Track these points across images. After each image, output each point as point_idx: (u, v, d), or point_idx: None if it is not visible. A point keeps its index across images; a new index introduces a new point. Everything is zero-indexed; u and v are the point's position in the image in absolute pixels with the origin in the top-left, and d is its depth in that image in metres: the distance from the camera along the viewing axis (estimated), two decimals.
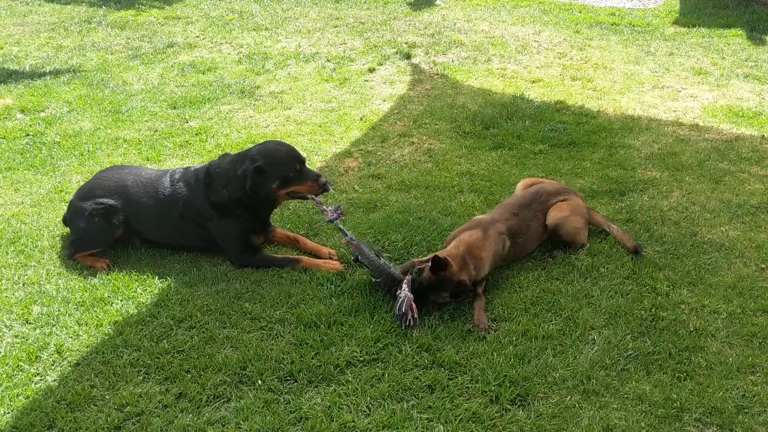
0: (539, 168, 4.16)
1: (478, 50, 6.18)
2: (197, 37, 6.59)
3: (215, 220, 3.22)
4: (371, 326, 2.83)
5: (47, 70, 5.73)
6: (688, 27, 6.65)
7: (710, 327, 2.83)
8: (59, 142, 4.51)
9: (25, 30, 6.74)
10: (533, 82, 5.49)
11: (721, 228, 3.51)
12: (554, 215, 3.26)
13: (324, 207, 3.31)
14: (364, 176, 4.15)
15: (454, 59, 6.00)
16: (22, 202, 3.81)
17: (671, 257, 3.27)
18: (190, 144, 4.55)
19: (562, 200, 3.32)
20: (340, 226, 3.26)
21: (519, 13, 7.19)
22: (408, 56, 6.09)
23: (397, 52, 6.19)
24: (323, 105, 5.18)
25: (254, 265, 3.21)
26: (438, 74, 5.72)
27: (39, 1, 7.66)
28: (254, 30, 6.76)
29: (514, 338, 2.77)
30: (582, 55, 6.00)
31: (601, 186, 3.91)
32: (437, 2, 7.55)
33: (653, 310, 2.92)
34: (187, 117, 4.94)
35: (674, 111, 4.93)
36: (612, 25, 6.75)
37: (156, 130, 4.72)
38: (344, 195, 3.91)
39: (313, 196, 3.26)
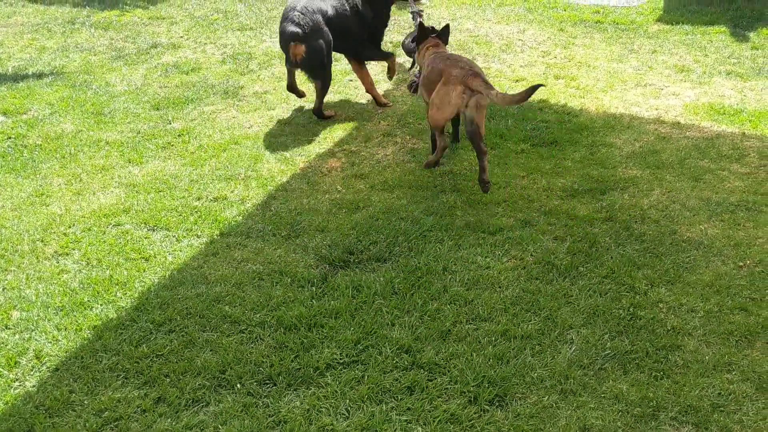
0: (521, 167, 4.18)
1: (463, 49, 6.19)
2: (181, 37, 6.57)
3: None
4: (352, 328, 2.83)
5: (30, 72, 5.70)
6: (672, 24, 6.68)
7: (687, 325, 2.85)
8: (41, 145, 4.49)
9: (8, 31, 6.70)
10: (517, 81, 5.50)
11: (701, 226, 3.53)
12: None
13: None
14: (347, 176, 4.16)
15: None
16: (3, 206, 3.79)
17: (650, 256, 3.29)
18: (172, 146, 4.54)
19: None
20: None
21: (504, 11, 7.21)
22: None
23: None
24: (307, 105, 5.18)
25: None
26: None
27: (23, 2, 7.61)
28: (238, 30, 6.74)
29: (493, 338, 2.79)
30: (566, 54, 6.02)
31: (582, 185, 3.93)
32: (423, 0, 7.54)
33: (631, 309, 2.94)
34: (170, 118, 4.93)
35: (656, 109, 4.96)
36: (596, 23, 6.78)
37: (138, 132, 4.71)
38: (327, 196, 3.91)
39: None
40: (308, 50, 4.66)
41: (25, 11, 7.31)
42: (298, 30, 4.61)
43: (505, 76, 5.61)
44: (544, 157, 4.29)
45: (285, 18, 4.74)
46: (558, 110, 4.93)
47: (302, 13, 4.66)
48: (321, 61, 4.76)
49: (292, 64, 4.79)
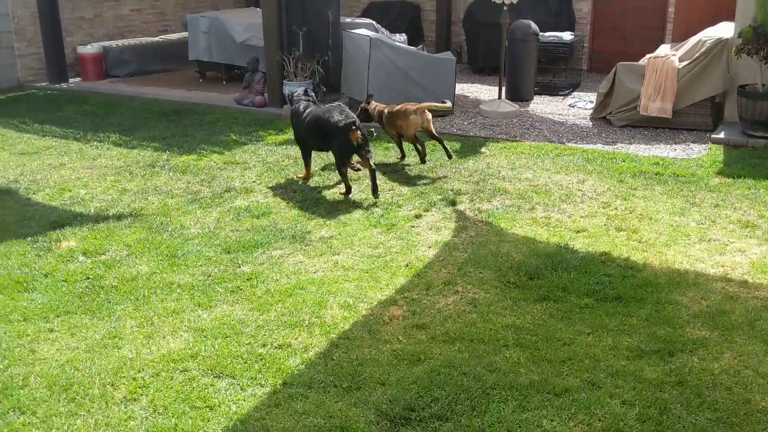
0: (585, 323, 4.14)
1: (522, 198, 6.33)
2: (254, 182, 6.93)
3: None
4: None
5: (111, 213, 6.06)
6: (733, 178, 6.72)
7: None
8: (116, 287, 4.71)
9: (93, 173, 7.20)
10: (577, 231, 5.56)
11: None
12: None
13: None
14: (408, 326, 4.19)
15: (498, 207, 6.14)
16: (77, 348, 3.94)
17: (724, 426, 3.16)
18: (240, 290, 4.69)
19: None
20: None
21: (562, 161, 7.39)
22: (453, 203, 6.27)
23: (443, 199, 6.39)
24: (370, 251, 5.32)
25: None
26: (482, 221, 5.85)
27: (108, 145, 8.21)
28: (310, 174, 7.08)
29: None
30: (626, 205, 6.08)
31: (649, 345, 3.86)
32: (482, 150, 7.83)
33: None
34: (239, 262, 5.12)
35: (722, 266, 4.90)
36: (656, 174, 6.87)
37: (209, 275, 4.90)
38: (388, 346, 3.94)
39: None
40: (362, 133, 6.23)
41: (109, 154, 7.87)
42: (354, 119, 6.24)
43: (566, 227, 5.68)
44: (609, 314, 4.25)
45: (328, 113, 6.37)
46: (621, 264, 4.93)
47: (342, 108, 6.40)
48: (368, 139, 6.31)
49: (354, 148, 6.25)
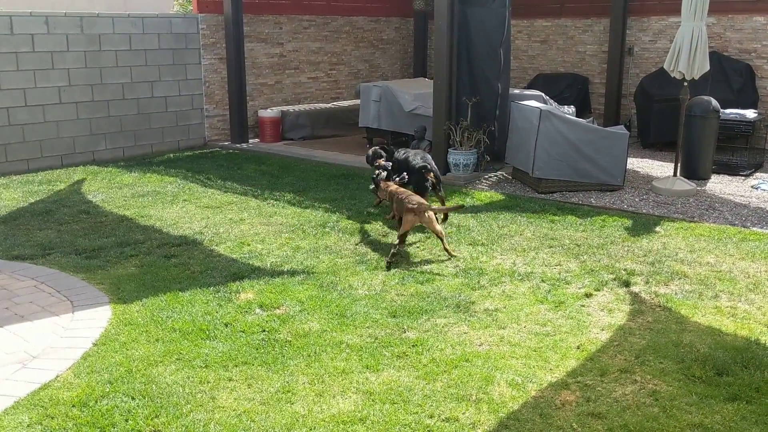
0: None
1: (704, 284, 5.91)
2: (417, 247, 7.00)
3: None
4: None
5: (285, 269, 6.34)
6: None
7: None
8: (290, 341, 4.86)
9: (269, 229, 7.60)
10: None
11: None
12: None
13: None
14: (582, 413, 3.97)
15: (677, 292, 5.76)
16: (253, 399, 4.08)
17: None
18: (406, 355, 4.69)
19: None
20: None
21: (747, 246, 6.85)
22: (627, 284, 5.96)
23: (615, 278, 6.10)
24: (538, 328, 5.15)
25: None
26: (660, 306, 5.50)
27: (283, 204, 8.67)
28: (470, 245, 7.05)
29: None
30: None
31: None
32: (657, 229, 7.44)
33: None
34: (405, 327, 5.14)
35: None
36: None
37: (376, 338, 4.94)
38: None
39: None
40: (435, 175, 7.83)
41: (284, 212, 8.30)
42: (427, 163, 7.86)
43: (756, 320, 5.21)
44: None
45: (411, 159, 7.93)
46: None
47: (422, 155, 8.06)
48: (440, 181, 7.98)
49: (429, 187, 7.71)
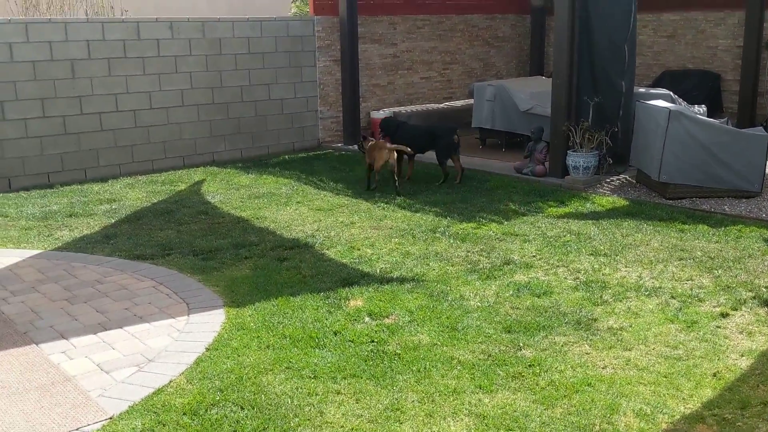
0: None
1: None
2: (533, 256, 6.67)
3: None
4: None
5: (394, 276, 6.19)
6: None
7: None
8: (399, 354, 4.70)
9: (379, 234, 7.49)
10: None
11: None
12: None
13: None
14: None
15: None
16: (362, 416, 3.95)
17: None
18: (522, 376, 4.41)
19: None
20: None
21: None
22: None
23: (754, 297, 5.54)
24: (668, 351, 4.73)
25: None
26: None
27: (393, 207, 8.55)
28: (591, 255, 6.64)
29: None
30: None
31: None
32: None
33: None
34: (520, 344, 4.86)
35: None
36: None
37: (489, 355, 4.69)
38: None
39: None
40: (458, 138, 9.44)
41: (394, 216, 8.17)
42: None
43: None
44: None
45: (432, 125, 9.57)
46: None
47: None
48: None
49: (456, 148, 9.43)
